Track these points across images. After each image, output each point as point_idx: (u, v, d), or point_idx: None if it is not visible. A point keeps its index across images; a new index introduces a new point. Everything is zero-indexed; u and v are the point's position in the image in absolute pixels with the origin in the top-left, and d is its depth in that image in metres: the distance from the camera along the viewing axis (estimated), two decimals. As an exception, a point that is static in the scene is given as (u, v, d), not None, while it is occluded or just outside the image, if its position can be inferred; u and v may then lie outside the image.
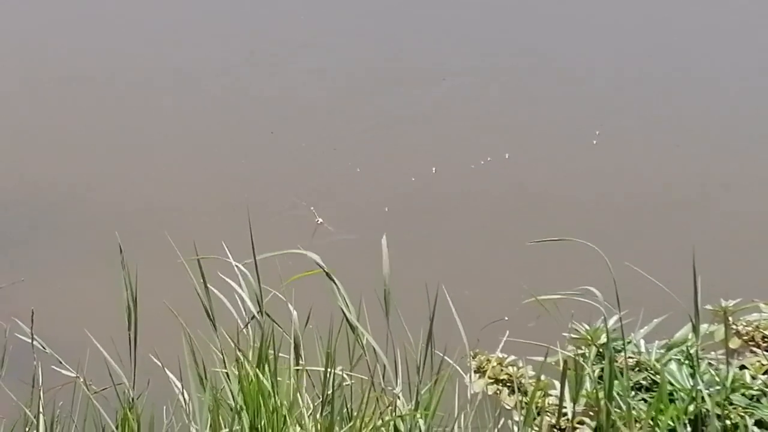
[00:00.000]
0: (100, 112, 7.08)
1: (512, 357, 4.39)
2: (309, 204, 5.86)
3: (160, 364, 2.87)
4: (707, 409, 3.19)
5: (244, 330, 2.90)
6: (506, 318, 3.56)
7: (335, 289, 2.72)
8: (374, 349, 2.81)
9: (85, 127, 6.89)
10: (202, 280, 2.80)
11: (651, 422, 3.15)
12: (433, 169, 6.27)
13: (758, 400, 3.57)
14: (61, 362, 3.04)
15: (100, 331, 3.04)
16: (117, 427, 2.86)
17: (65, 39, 8.11)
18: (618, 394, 3.13)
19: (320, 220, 5.77)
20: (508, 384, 4.29)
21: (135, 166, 6.43)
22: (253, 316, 2.85)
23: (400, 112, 6.93)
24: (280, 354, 2.90)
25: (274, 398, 2.76)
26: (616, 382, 3.80)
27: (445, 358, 2.97)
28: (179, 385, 2.83)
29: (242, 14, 8.61)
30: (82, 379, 2.97)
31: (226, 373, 2.85)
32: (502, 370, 4.36)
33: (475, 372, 4.28)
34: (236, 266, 2.87)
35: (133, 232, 5.22)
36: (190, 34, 8.22)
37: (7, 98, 7.22)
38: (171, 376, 2.85)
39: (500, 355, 4.40)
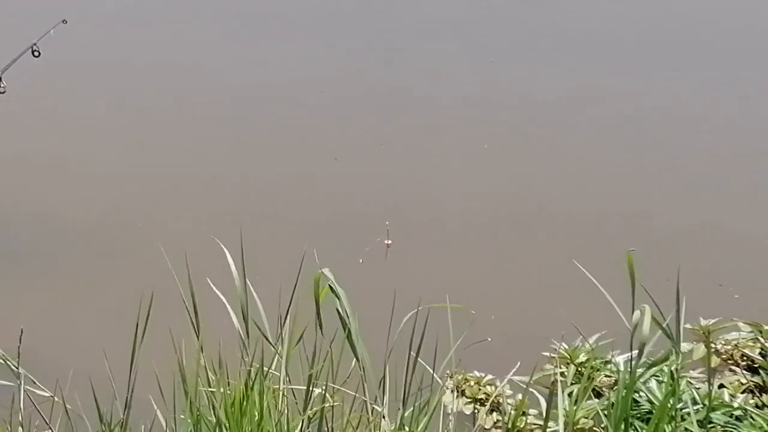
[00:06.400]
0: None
1: (490, 376, 4.39)
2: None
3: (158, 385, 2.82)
4: (687, 429, 3.21)
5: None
6: (489, 339, 3.56)
7: (339, 305, 2.70)
8: (364, 367, 2.79)
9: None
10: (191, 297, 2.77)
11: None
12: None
13: (738, 419, 3.59)
14: (34, 382, 2.99)
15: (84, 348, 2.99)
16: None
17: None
18: (604, 413, 3.13)
19: (390, 241, 5.47)
20: (485, 404, 4.28)
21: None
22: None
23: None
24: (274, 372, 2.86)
25: (261, 415, 2.73)
26: (596, 401, 3.82)
27: (425, 377, 2.95)
28: (164, 404, 2.79)
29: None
30: (60, 400, 2.91)
31: (212, 392, 2.81)
32: (480, 389, 4.36)
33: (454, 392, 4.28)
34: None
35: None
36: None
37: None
38: (162, 392, 2.80)
39: (478, 375, 4.40)
